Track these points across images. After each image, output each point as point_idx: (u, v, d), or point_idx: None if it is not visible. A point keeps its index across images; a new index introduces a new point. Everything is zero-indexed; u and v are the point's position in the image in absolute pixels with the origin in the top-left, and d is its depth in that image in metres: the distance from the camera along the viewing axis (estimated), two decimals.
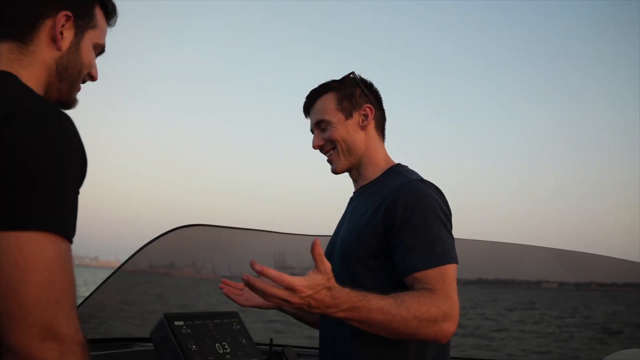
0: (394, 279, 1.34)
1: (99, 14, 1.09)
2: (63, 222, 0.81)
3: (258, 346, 2.05)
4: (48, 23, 1.00)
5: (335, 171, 1.56)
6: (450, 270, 1.28)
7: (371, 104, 1.54)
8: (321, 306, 1.10)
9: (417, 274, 1.27)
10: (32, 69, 0.99)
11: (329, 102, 1.53)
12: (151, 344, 1.75)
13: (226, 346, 1.84)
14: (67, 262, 0.80)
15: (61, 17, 1.01)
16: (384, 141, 1.59)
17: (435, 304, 1.19)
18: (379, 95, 1.59)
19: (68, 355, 0.78)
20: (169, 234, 2.44)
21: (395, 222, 1.32)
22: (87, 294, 2.30)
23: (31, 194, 0.78)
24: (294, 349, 2.23)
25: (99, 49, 1.11)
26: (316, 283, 1.09)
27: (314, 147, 1.55)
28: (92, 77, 1.11)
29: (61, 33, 1.01)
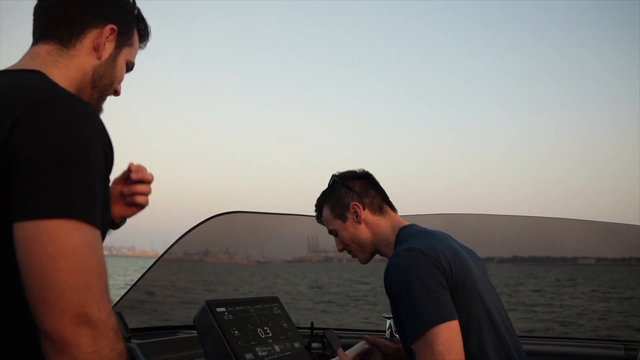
0: None
1: (136, 33, 1.16)
2: (89, 210, 0.82)
3: (299, 329, 2.08)
4: (95, 33, 1.05)
5: (363, 263, 1.73)
6: (437, 331, 1.32)
7: (358, 198, 1.65)
8: None
9: (414, 347, 1.37)
10: (68, 71, 1.02)
11: (326, 214, 1.71)
12: (195, 331, 1.79)
13: (268, 331, 1.86)
14: (95, 248, 0.81)
15: (108, 29, 1.06)
16: (388, 212, 1.67)
17: None
18: (366, 178, 1.70)
19: (101, 339, 0.79)
20: (208, 222, 2.48)
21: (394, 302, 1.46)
22: (125, 283, 2.36)
23: (56, 182, 0.79)
24: (335, 331, 2.26)
25: (130, 67, 1.16)
26: None
27: (339, 250, 1.72)
28: (116, 92, 1.14)
29: (104, 43, 1.05)
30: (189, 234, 2.48)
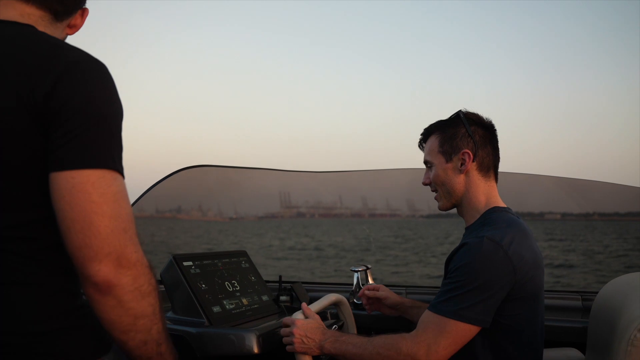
0: None
1: None
2: (120, 162, 0.92)
3: (267, 283, 2.09)
4: (79, 13, 1.10)
5: (440, 209, 1.62)
6: (451, 325, 1.33)
7: (473, 146, 1.52)
8: (314, 338, 1.47)
9: (425, 311, 1.40)
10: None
11: (433, 144, 1.58)
12: (162, 286, 1.78)
13: (236, 284, 1.87)
14: (127, 196, 0.91)
15: (87, 10, 1.12)
16: (492, 179, 1.56)
17: (397, 345, 1.36)
18: (491, 131, 1.57)
19: (140, 277, 0.89)
20: (174, 176, 2.44)
21: (448, 269, 1.44)
22: None
23: (99, 135, 0.88)
24: (303, 284, 2.28)
25: None
26: (311, 322, 1.51)
27: (423, 183, 1.63)
28: None
29: (82, 25, 1.13)
30: (155, 188, 2.44)
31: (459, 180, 1.53)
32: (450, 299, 1.35)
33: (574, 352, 1.73)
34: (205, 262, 1.83)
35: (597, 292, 1.68)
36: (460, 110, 1.58)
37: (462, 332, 1.34)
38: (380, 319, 2.08)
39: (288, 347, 1.52)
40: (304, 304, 1.59)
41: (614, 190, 2.59)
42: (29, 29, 0.98)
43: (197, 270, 1.77)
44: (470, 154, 1.52)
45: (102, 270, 0.85)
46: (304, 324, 1.50)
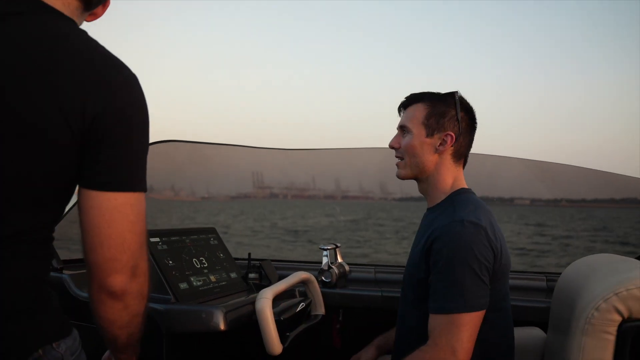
0: None
1: None
2: (146, 182, 0.97)
3: (236, 261, 2.08)
4: (103, 4, 1.08)
5: (398, 176, 1.58)
6: (464, 319, 1.31)
7: (458, 131, 1.50)
8: None
9: (431, 317, 1.36)
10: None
11: (418, 112, 1.52)
12: None
13: (204, 261, 1.85)
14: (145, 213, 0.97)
15: (109, 1, 1.09)
16: (461, 166, 1.55)
17: None
18: (474, 122, 1.56)
19: (145, 284, 0.98)
20: None
21: (430, 263, 1.40)
22: None
23: (139, 159, 0.93)
24: (272, 262, 2.27)
25: None
26: None
27: (389, 145, 1.58)
28: None
29: (103, 14, 1.10)
30: None
31: (431, 159, 1.51)
32: (454, 295, 1.32)
33: (536, 331, 1.77)
34: (172, 238, 1.81)
35: (560, 274, 1.72)
36: (456, 92, 1.54)
37: (476, 320, 1.32)
38: (347, 297, 2.09)
39: None
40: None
41: (581, 174, 2.64)
42: (74, 26, 0.96)
43: (164, 247, 1.75)
44: (453, 137, 1.49)
45: (122, 280, 0.92)
46: None
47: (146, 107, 0.95)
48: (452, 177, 1.52)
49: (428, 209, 1.57)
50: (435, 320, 1.34)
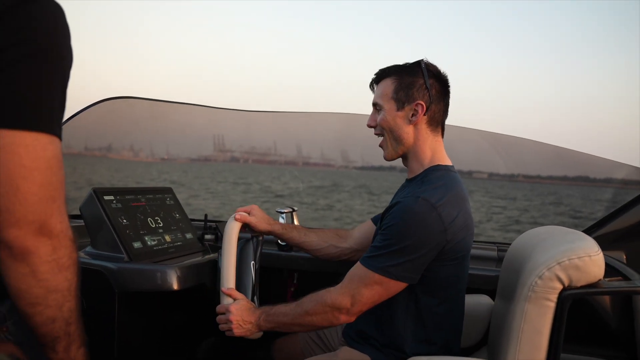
0: None
1: None
2: (59, 123, 0.82)
3: (192, 222, 2.07)
4: None
5: (385, 158, 1.58)
6: (376, 279, 1.37)
7: (428, 99, 1.48)
8: (249, 320, 1.52)
9: (359, 264, 1.41)
10: None
11: (387, 88, 1.52)
12: (82, 221, 1.72)
13: (159, 220, 1.83)
14: (61, 162, 0.82)
15: None
16: (439, 135, 1.54)
17: (323, 299, 1.42)
18: (447, 87, 1.54)
19: (60, 249, 0.82)
20: (97, 107, 2.31)
21: (381, 225, 1.44)
22: None
23: (38, 93, 0.78)
24: None
25: None
26: (242, 304, 1.55)
27: (367, 125, 1.58)
28: None
29: None
30: (78, 121, 2.31)
31: (407, 130, 1.51)
32: (380, 255, 1.37)
33: (484, 299, 1.83)
34: (127, 197, 1.78)
35: (510, 244, 1.77)
36: (422, 60, 1.53)
37: (388, 286, 1.38)
38: (302, 260, 2.11)
39: (227, 333, 1.54)
40: (223, 289, 1.57)
41: (537, 149, 2.69)
42: None
43: (119, 205, 1.72)
44: (424, 106, 1.48)
45: (22, 236, 0.78)
46: (238, 309, 1.53)
47: (53, 33, 0.80)
48: (430, 149, 1.52)
49: (406, 180, 1.59)
50: (355, 269, 1.42)
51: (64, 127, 0.87)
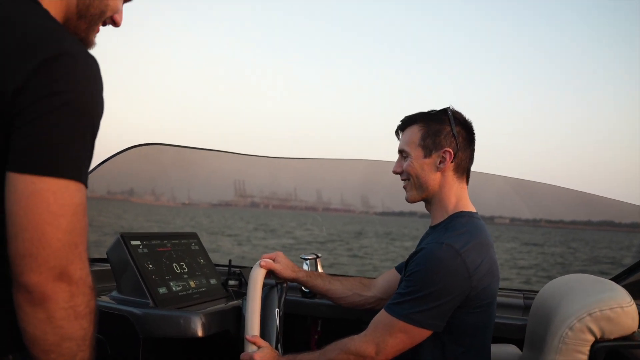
0: None
1: None
2: (86, 172, 0.85)
3: (217, 267, 2.07)
4: None
5: (407, 200, 1.59)
6: (402, 327, 1.35)
7: (455, 146, 1.50)
8: None
9: (383, 312, 1.40)
10: (52, 1, 0.94)
11: (413, 135, 1.53)
12: (108, 264, 1.75)
13: (184, 266, 1.84)
14: (86, 210, 0.85)
15: None
16: (464, 182, 1.55)
17: (347, 347, 1.40)
18: (472, 134, 1.55)
19: (79, 296, 0.82)
20: (126, 154, 2.37)
21: (405, 272, 1.44)
22: None
23: (69, 142, 0.81)
24: None
25: None
26: (267, 353, 1.52)
27: (393, 171, 1.59)
28: (115, 23, 1.06)
29: None
30: (106, 167, 2.37)
31: (434, 177, 1.51)
32: (404, 302, 1.36)
33: (512, 348, 1.78)
34: (153, 242, 1.80)
35: (538, 291, 1.74)
36: (448, 107, 1.54)
37: (413, 334, 1.36)
38: (326, 307, 2.09)
39: None
40: (247, 337, 1.55)
41: (561, 194, 2.67)
42: (30, 4, 0.88)
43: (145, 250, 1.74)
44: (452, 153, 1.49)
45: (41, 282, 0.78)
46: (262, 358, 1.50)
47: (86, 86, 0.83)
48: (455, 195, 1.52)
49: (430, 227, 1.58)
50: (379, 316, 1.40)
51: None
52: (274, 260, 1.70)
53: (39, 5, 0.91)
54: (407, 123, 1.57)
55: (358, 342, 1.40)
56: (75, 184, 0.81)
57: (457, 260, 1.34)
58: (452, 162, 1.50)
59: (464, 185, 1.55)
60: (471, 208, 1.53)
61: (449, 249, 1.35)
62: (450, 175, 1.51)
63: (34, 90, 0.78)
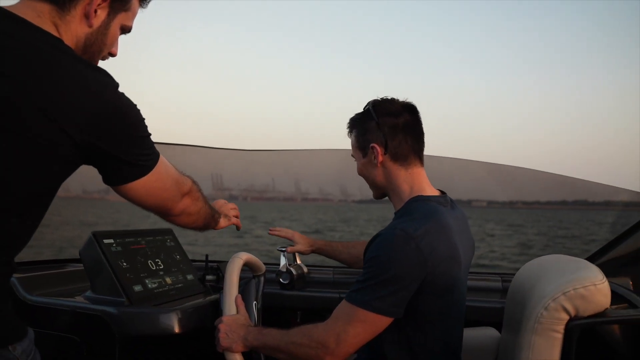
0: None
1: None
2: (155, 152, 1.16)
3: (194, 262, 2.05)
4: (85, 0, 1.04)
5: (373, 198, 1.65)
6: (361, 315, 1.33)
7: (382, 138, 1.49)
8: (237, 332, 1.48)
9: (343, 302, 1.39)
10: (66, 38, 1.03)
11: (352, 140, 1.60)
12: (82, 265, 1.71)
13: (159, 263, 1.82)
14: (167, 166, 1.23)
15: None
16: (413, 166, 1.52)
17: (310, 334, 1.39)
18: (401, 117, 1.51)
19: (187, 200, 1.33)
20: None
21: (364, 259, 1.43)
22: None
23: (141, 150, 1.08)
24: None
25: (126, 31, 1.16)
26: (237, 318, 1.53)
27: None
28: (112, 54, 1.17)
29: (95, 11, 1.05)
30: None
31: (377, 173, 1.54)
32: (362, 289, 1.35)
33: (490, 331, 1.80)
34: (127, 239, 1.77)
35: (514, 274, 1.75)
36: (370, 102, 1.55)
37: (373, 322, 1.34)
38: (305, 299, 2.09)
39: (217, 347, 1.50)
40: (239, 296, 1.55)
41: (536, 176, 2.71)
42: (60, 45, 0.97)
43: (119, 248, 1.71)
44: (378, 147, 1.50)
45: (180, 207, 1.28)
46: (230, 320, 1.50)
47: (128, 107, 1.03)
48: (405, 183, 1.51)
49: (394, 214, 1.58)
50: (340, 306, 1.38)
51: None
52: (291, 240, 2.01)
53: (69, 48, 1.00)
54: (348, 130, 1.62)
55: (321, 329, 1.37)
56: (158, 162, 1.16)
57: (410, 244, 1.32)
58: (385, 153, 1.50)
59: (415, 169, 1.52)
60: (429, 192, 1.51)
61: (402, 234, 1.34)
62: (391, 165, 1.51)
63: (107, 140, 1.02)
